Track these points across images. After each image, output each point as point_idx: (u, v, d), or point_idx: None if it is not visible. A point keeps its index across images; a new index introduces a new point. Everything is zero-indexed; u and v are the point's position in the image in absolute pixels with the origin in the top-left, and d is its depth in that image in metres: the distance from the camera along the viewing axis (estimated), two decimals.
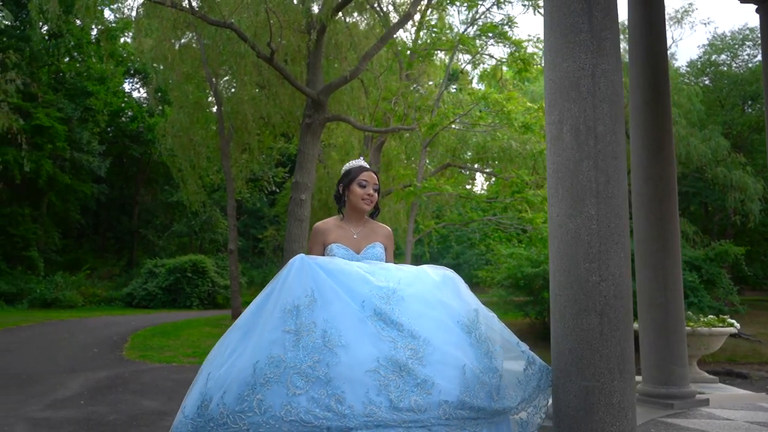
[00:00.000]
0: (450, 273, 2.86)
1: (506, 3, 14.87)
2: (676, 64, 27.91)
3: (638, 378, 5.55)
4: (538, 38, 15.95)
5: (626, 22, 5.93)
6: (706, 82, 28.42)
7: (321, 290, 2.52)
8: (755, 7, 6.30)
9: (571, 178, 2.94)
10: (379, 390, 2.31)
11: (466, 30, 15.87)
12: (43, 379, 7.71)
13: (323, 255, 2.93)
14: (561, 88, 3.03)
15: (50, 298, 21.36)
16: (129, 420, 5.51)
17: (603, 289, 2.84)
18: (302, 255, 2.68)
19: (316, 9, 11.72)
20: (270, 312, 2.49)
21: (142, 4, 11.80)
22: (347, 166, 3.15)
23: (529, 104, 13.97)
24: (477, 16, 15.90)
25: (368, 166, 3.15)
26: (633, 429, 2.83)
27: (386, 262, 3.01)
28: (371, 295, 2.55)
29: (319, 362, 2.33)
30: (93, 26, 23.23)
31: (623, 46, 17.27)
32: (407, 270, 2.78)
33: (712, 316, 8.20)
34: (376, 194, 3.06)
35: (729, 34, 28.02)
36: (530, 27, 65.28)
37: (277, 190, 26.57)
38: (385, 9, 15.56)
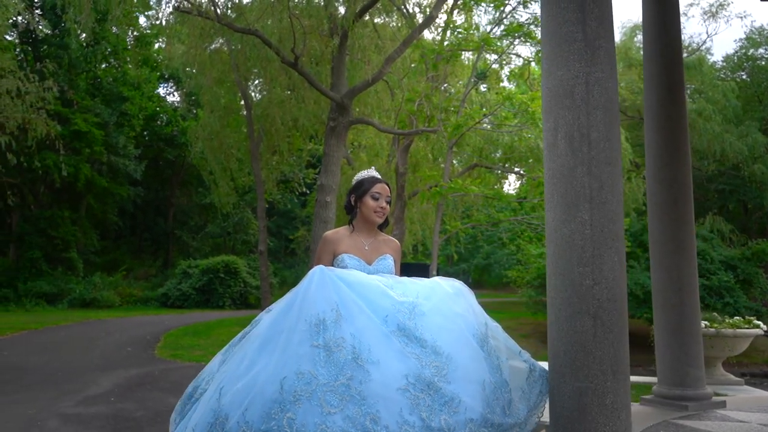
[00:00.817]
0: (459, 284, 2.88)
1: (533, 2, 14.78)
2: (712, 59, 27.36)
3: (654, 379, 5.55)
4: None
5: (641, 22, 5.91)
6: (744, 77, 27.78)
7: (345, 304, 2.47)
8: None
9: (565, 184, 3.02)
10: (411, 409, 2.27)
11: (492, 30, 15.87)
12: (78, 377, 8.03)
13: (332, 265, 2.92)
14: (556, 96, 3.10)
15: (89, 298, 22.06)
16: (154, 416, 5.74)
17: (596, 292, 2.90)
18: (322, 267, 2.64)
19: (342, 10, 11.89)
20: (293, 324, 2.42)
21: (171, 13, 12.13)
22: (359, 177, 3.13)
23: None
24: (503, 16, 15.89)
25: (380, 177, 3.14)
26: (627, 429, 2.89)
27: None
28: (394, 309, 2.52)
29: (352, 379, 2.27)
30: (129, 33, 23.98)
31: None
32: (421, 283, 2.78)
33: (738, 318, 8.11)
34: (388, 206, 3.07)
35: (767, 28, 27.35)
36: None
37: (308, 192, 26.87)
38: (411, 11, 15.66)
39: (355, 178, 3.15)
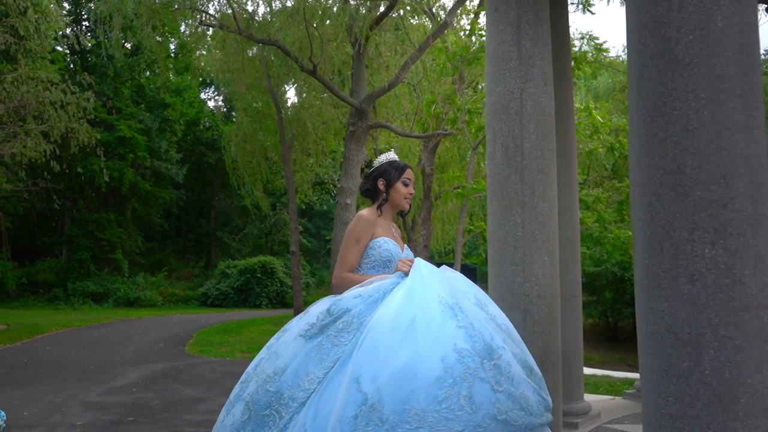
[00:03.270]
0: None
1: None
2: None
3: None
4: (590, 36, 15.87)
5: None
6: None
7: (456, 294, 2.47)
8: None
9: (501, 191, 3.31)
10: (535, 389, 2.34)
11: None
12: (109, 370, 8.61)
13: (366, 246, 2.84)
14: (494, 111, 3.39)
15: (133, 297, 23.00)
16: (168, 405, 6.22)
17: (526, 289, 3.19)
18: (420, 259, 2.64)
19: (361, 11, 12.25)
20: (423, 306, 2.34)
21: (197, 27, 12.73)
22: (384, 160, 3.00)
23: (576, 105, 13.93)
24: None
25: (403, 162, 3.06)
26: (556, 414, 3.16)
27: None
28: (477, 300, 2.54)
29: (501, 360, 2.24)
30: (171, 40, 24.91)
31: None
32: (454, 271, 2.76)
33: None
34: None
35: None
36: (583, 25, 63.64)
37: None
38: (435, 13, 15.92)
39: (378, 161, 3.02)
